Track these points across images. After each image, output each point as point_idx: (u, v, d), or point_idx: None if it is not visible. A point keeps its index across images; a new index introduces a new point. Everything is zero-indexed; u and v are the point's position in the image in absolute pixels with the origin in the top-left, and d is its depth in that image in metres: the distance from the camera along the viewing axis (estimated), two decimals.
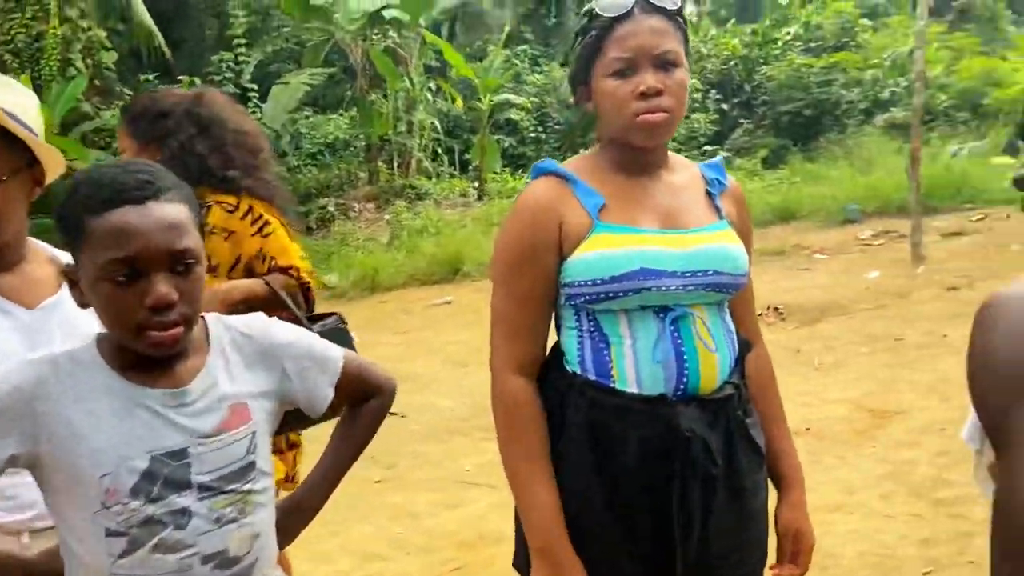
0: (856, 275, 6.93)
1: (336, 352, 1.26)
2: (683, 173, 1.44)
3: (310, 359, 1.21)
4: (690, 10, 26.02)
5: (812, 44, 15.13)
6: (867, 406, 4.21)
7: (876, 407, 4.18)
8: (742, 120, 14.41)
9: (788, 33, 15.35)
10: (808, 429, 3.94)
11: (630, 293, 1.29)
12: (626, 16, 1.32)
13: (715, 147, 13.46)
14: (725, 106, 14.46)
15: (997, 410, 0.69)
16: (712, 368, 1.32)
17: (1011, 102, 12.32)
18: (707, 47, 15.16)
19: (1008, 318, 0.71)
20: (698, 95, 14.10)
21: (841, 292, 6.40)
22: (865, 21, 16.22)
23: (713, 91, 14.54)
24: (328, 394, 1.23)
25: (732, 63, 14.89)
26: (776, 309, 6.16)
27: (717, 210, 1.42)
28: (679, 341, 1.31)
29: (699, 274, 1.32)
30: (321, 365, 1.23)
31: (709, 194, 1.43)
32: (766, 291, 6.62)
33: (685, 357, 1.30)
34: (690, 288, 1.31)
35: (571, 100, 1.45)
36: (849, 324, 5.73)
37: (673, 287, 1.30)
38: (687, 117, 13.74)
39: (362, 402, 1.30)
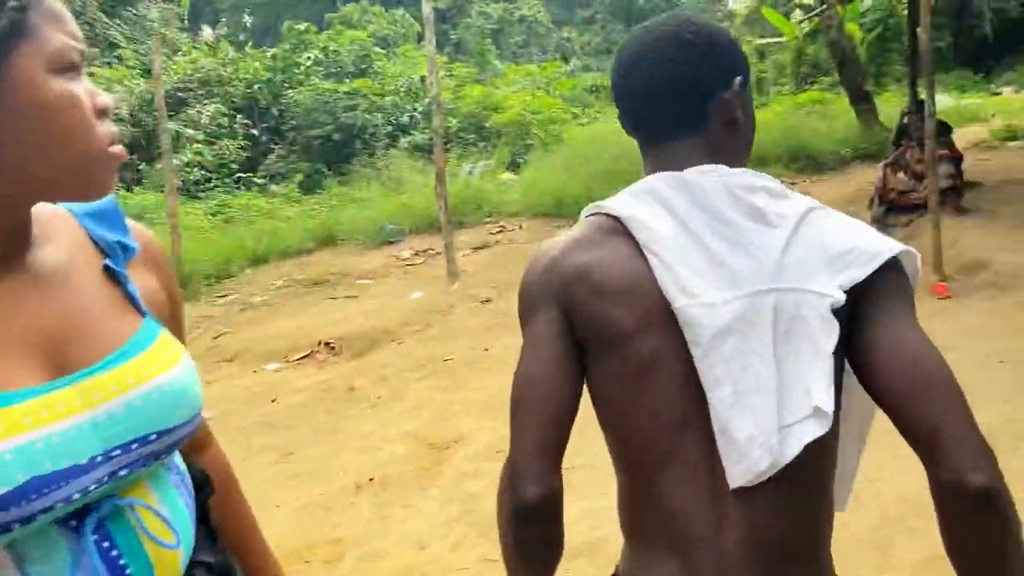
0: (401, 297, 6.96)
1: None
2: (58, 240, 0.85)
3: None
4: (208, 32, 24.86)
5: (333, 70, 15.43)
6: (427, 439, 4.08)
7: (435, 439, 4.06)
8: (273, 145, 14.01)
9: (309, 58, 15.40)
10: (372, 480, 3.64)
11: (15, 525, 0.71)
12: None
13: (249, 174, 12.85)
14: (255, 131, 13.91)
15: (522, 318, 1.03)
16: (174, 566, 0.83)
17: (507, 125, 14.06)
18: (228, 70, 14.44)
19: (529, 263, 1.05)
20: (225, 120, 13.39)
21: (388, 317, 6.34)
22: (378, 49, 17.09)
23: (240, 116, 13.88)
24: None
25: (256, 87, 14.41)
26: (328, 344, 5.84)
27: (132, 302, 0.87)
28: (113, 552, 0.78)
29: (134, 445, 0.79)
30: None
31: (110, 272, 0.87)
32: (316, 325, 6.29)
33: (128, 571, 0.79)
34: (122, 473, 0.79)
35: None
36: (399, 350, 5.66)
37: (91, 485, 0.76)
38: (213, 143, 13.05)
39: None
